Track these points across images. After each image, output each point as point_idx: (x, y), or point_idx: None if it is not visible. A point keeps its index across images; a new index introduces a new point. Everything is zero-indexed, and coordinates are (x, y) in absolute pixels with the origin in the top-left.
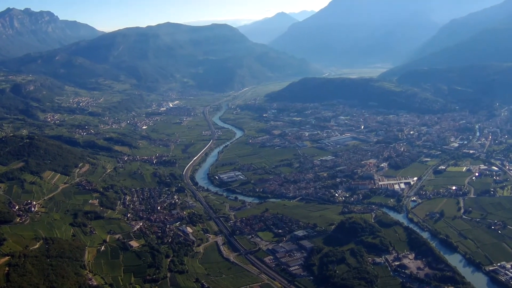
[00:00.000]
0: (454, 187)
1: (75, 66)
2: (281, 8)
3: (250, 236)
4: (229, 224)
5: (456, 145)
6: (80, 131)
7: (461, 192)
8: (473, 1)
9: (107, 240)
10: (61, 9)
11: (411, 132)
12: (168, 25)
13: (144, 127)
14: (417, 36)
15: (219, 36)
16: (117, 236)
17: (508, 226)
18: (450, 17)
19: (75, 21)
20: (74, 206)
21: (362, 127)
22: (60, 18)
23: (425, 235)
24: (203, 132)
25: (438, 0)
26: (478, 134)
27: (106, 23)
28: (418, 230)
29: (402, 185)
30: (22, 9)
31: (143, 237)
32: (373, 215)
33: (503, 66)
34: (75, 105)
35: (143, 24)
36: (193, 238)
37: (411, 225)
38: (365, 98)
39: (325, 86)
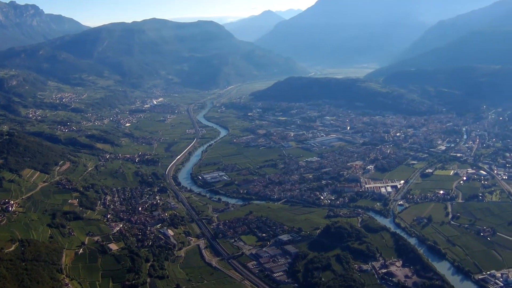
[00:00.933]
0: (441, 191)
1: (59, 61)
2: (267, 6)
3: (233, 240)
4: (212, 227)
5: (443, 148)
6: (62, 127)
7: (449, 197)
8: (461, 3)
9: (86, 242)
10: (46, 2)
11: (398, 134)
12: (154, 20)
13: (127, 125)
14: (404, 36)
15: (205, 33)
16: (96, 238)
17: (498, 233)
18: (437, 18)
19: (60, 15)
20: (53, 206)
21: (348, 128)
22: (45, 12)
23: (412, 241)
24: (187, 130)
25: (425, 1)
26: (465, 137)
27: (92, 18)
28: (405, 236)
29: (389, 189)
30: (7, 1)
31: (123, 240)
32: (360, 220)
33: (490, 69)
34: (57, 101)
35: (129, 20)
36: (174, 242)
37: (398, 231)
38: (351, 98)
39: (311, 85)
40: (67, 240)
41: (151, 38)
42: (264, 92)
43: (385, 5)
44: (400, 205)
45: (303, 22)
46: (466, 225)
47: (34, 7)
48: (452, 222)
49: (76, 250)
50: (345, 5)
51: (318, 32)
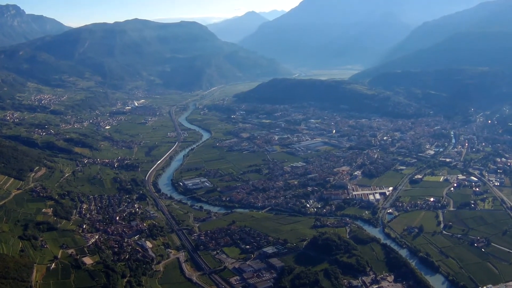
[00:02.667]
0: (432, 199)
1: (39, 62)
2: (251, 7)
3: (215, 252)
4: (193, 238)
5: (432, 152)
6: (40, 130)
7: (439, 205)
8: (445, 4)
9: (59, 256)
10: (28, 3)
11: (385, 138)
12: (136, 21)
13: (107, 127)
14: (389, 38)
15: (188, 34)
16: (70, 251)
17: (492, 244)
18: (422, 20)
19: (42, 15)
20: (26, 215)
21: (334, 131)
22: (27, 12)
23: (403, 252)
24: (169, 133)
25: (409, 2)
26: (454, 141)
27: (74, 18)
28: (396, 247)
29: (377, 196)
30: None
31: (98, 253)
32: (348, 230)
33: (477, 71)
34: (36, 102)
35: (112, 20)
36: (153, 254)
37: (388, 241)
38: (337, 100)
39: (296, 87)
40: (39, 253)
41: (133, 38)
42: (248, 94)
43: (369, 5)
44: (390, 213)
45: (287, 23)
46: (459, 235)
47: (15, 7)
48: (444, 232)
49: (48, 265)
50: (329, 6)
51: (302, 33)
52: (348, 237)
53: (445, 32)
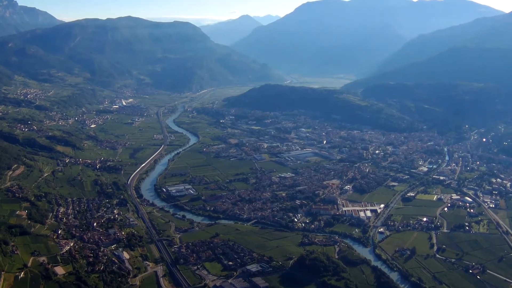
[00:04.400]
0: (425, 219)
1: (28, 55)
2: (246, 10)
3: (195, 267)
4: (173, 250)
5: (425, 169)
6: (22, 126)
7: (433, 225)
8: (441, 17)
9: (29, 263)
10: None
11: (377, 152)
12: (129, 18)
13: (92, 126)
14: (382, 49)
15: (181, 34)
16: (41, 259)
17: (488, 271)
18: (416, 32)
19: (34, 8)
20: None
21: (325, 142)
22: (19, 4)
23: (394, 276)
24: (155, 135)
25: (405, 14)
26: (447, 158)
27: (67, 12)
28: (386, 270)
29: (368, 213)
30: None
31: (72, 262)
32: (337, 249)
33: (473, 87)
34: (22, 96)
35: (104, 16)
36: (129, 267)
37: (379, 263)
38: (328, 110)
39: (287, 94)
40: (9, 260)
41: (124, 36)
42: (238, 99)
43: (364, 15)
44: (381, 232)
45: (281, 28)
46: (453, 260)
47: None
48: (437, 256)
49: (17, 273)
50: (324, 14)
51: (295, 40)
52: (337, 257)
53: (440, 46)
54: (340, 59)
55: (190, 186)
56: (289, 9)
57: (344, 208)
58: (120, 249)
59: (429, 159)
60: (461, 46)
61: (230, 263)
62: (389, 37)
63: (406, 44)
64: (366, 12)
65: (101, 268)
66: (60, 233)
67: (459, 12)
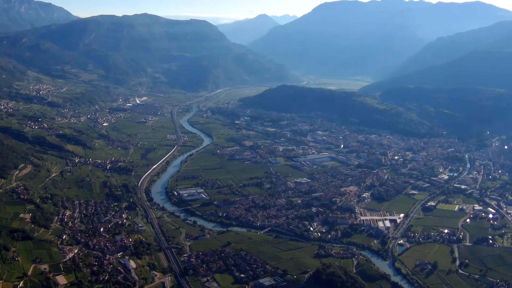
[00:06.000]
0: (446, 230)
1: (42, 51)
2: (264, 10)
3: (205, 279)
4: (182, 259)
5: (446, 177)
6: (32, 123)
7: (454, 238)
8: (461, 20)
9: (30, 272)
10: None
11: (396, 157)
12: (145, 16)
13: (105, 124)
14: (400, 51)
15: (197, 33)
16: (43, 267)
17: None
18: (435, 35)
19: (50, 3)
20: (1, 220)
21: (342, 146)
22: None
23: None
24: (168, 135)
25: (423, 17)
26: (468, 165)
27: (83, 8)
28: (407, 286)
29: (387, 223)
30: None
31: (75, 271)
32: (355, 262)
33: (494, 92)
34: (34, 92)
35: (120, 13)
36: (135, 277)
37: (398, 278)
38: (346, 113)
39: (304, 96)
40: (8, 267)
41: (140, 33)
42: (254, 99)
43: (382, 17)
44: (400, 244)
45: (298, 29)
46: (477, 276)
47: None
48: (460, 271)
49: (16, 282)
50: (342, 15)
51: (312, 40)
52: (355, 271)
53: (460, 50)
54: (357, 61)
55: (202, 190)
56: (306, 9)
57: (362, 217)
58: (127, 257)
59: (449, 167)
60: (482, 50)
61: (242, 275)
62: (407, 40)
63: (425, 47)
64: (384, 14)
65: (106, 278)
66: (64, 239)
67: (479, 16)
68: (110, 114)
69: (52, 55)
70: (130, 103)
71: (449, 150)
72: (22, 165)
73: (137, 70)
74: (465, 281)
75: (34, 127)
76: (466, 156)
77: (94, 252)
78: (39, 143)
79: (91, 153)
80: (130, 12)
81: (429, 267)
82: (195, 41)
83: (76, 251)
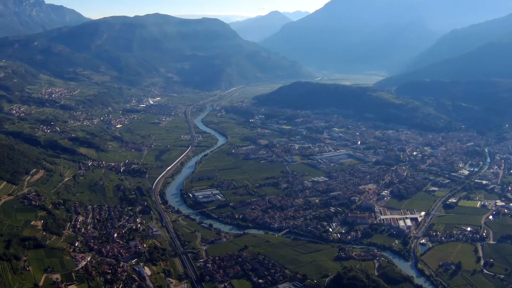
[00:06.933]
0: (469, 228)
1: (54, 54)
2: (275, 6)
3: (222, 285)
4: (198, 265)
5: (466, 172)
6: (44, 127)
7: (478, 236)
8: (474, 12)
9: (41, 283)
10: None
11: (414, 153)
12: (156, 16)
13: (118, 126)
14: (414, 44)
15: (209, 31)
16: (55, 277)
17: None
18: (449, 27)
19: (62, 5)
20: (12, 228)
21: (359, 142)
22: (46, 2)
23: None
24: (182, 136)
25: (437, 9)
26: (488, 160)
27: (95, 10)
28: None
29: (408, 222)
30: None
31: (87, 280)
32: (376, 265)
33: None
34: (46, 96)
35: (132, 14)
36: (150, 285)
37: (422, 280)
38: (361, 108)
39: (318, 92)
40: (19, 278)
41: (152, 33)
42: (268, 97)
43: (395, 11)
44: (422, 244)
45: (311, 24)
46: (502, 276)
47: None
48: (485, 271)
49: None
50: (354, 9)
51: (325, 36)
52: (377, 274)
53: (475, 41)
54: (371, 55)
55: (217, 191)
56: (319, 5)
57: (382, 217)
58: (141, 263)
59: (469, 161)
60: (497, 41)
61: (260, 281)
62: (421, 33)
63: (439, 40)
64: (397, 7)
65: (120, 287)
66: (77, 246)
67: (492, 7)
68: (123, 116)
69: (64, 57)
70: (143, 104)
71: (468, 144)
72: (34, 170)
73: (150, 71)
74: (491, 281)
75: (47, 131)
76: (486, 150)
77: (108, 260)
78: (52, 147)
79: (104, 156)
80: (142, 13)
81: (453, 267)
82: (207, 40)
83: (89, 259)
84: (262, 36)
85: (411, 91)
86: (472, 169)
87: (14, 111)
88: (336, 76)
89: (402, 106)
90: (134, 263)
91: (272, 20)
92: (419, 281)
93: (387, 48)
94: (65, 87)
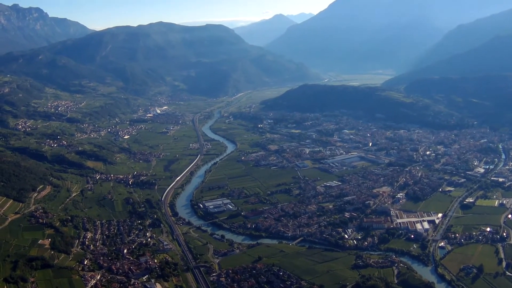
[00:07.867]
0: (488, 229)
1: (59, 67)
2: (279, 10)
3: None
4: (211, 279)
5: (482, 170)
6: (51, 142)
7: (498, 236)
8: (480, 6)
9: None
10: (52, 6)
11: (428, 153)
12: (160, 24)
13: (126, 137)
14: (420, 42)
15: (214, 37)
16: None
17: None
18: (455, 23)
19: (65, 18)
20: (19, 248)
21: (370, 144)
22: (50, 16)
23: None
24: (191, 144)
25: (442, 5)
26: (503, 156)
27: (98, 21)
28: None
29: (426, 224)
30: (10, 4)
31: None
32: (396, 271)
33: None
34: (52, 109)
35: (136, 23)
36: None
37: (442, 285)
38: (371, 109)
39: (326, 94)
40: None
41: (156, 42)
42: (276, 101)
43: (399, 9)
44: (441, 247)
45: (315, 26)
46: None
47: (38, 10)
48: (508, 273)
49: None
50: (358, 9)
51: (330, 37)
52: (396, 281)
53: (482, 36)
54: (377, 54)
55: (228, 201)
56: (322, 6)
57: (399, 220)
58: (153, 280)
59: (484, 159)
60: (505, 34)
61: None
62: (427, 30)
63: (445, 36)
64: (400, 5)
65: None
66: (86, 264)
67: (497, 0)
68: (130, 126)
69: (69, 70)
70: (150, 114)
71: (482, 141)
72: (41, 186)
73: (156, 80)
74: None
75: (53, 145)
76: (500, 146)
77: (118, 277)
78: (59, 161)
79: (112, 169)
80: (145, 22)
81: (475, 270)
82: (212, 46)
83: (98, 277)
84: (267, 40)
85: (420, 89)
86: (487, 166)
87: (20, 126)
88: (344, 77)
89: (413, 104)
90: (145, 280)
91: (276, 24)
92: (440, 287)
93: (393, 46)
94: (71, 100)
